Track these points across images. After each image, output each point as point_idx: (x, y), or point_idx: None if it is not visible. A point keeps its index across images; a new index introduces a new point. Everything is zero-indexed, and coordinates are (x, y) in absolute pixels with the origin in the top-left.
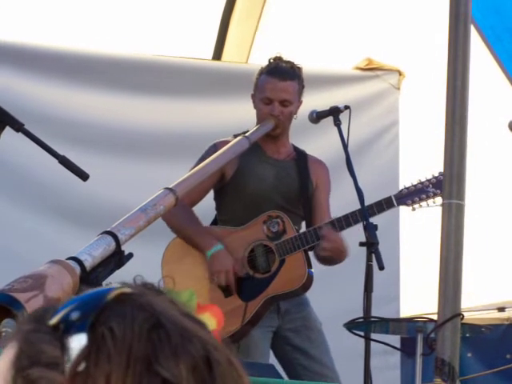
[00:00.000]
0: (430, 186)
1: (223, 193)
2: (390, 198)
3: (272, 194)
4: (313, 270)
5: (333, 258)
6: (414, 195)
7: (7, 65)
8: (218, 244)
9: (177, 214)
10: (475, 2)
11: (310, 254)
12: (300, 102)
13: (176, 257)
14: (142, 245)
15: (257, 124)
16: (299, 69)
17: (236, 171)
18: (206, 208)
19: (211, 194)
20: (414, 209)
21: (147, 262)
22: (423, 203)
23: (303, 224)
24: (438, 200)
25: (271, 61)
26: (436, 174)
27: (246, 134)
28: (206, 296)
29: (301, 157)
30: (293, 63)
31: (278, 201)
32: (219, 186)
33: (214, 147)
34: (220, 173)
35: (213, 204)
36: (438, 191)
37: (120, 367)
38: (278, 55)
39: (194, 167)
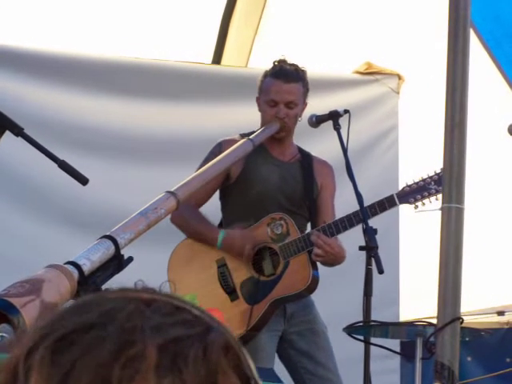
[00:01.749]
0: (432, 183)
1: (229, 193)
2: (391, 196)
3: (276, 195)
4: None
5: (327, 262)
6: (415, 193)
7: (7, 69)
8: (219, 233)
9: (183, 213)
10: (475, 7)
11: None
12: (305, 105)
13: (182, 261)
14: (143, 249)
15: (262, 127)
16: (303, 71)
17: (241, 172)
18: (212, 209)
19: (217, 196)
20: (416, 207)
21: (148, 266)
22: (426, 201)
23: (309, 225)
24: (441, 197)
25: (275, 63)
26: (438, 171)
27: (251, 137)
28: (212, 300)
29: (306, 158)
30: (297, 66)
31: (282, 202)
32: (225, 186)
33: (220, 146)
34: (225, 173)
35: (218, 205)
36: (441, 188)
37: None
38: (282, 58)
39: (200, 167)
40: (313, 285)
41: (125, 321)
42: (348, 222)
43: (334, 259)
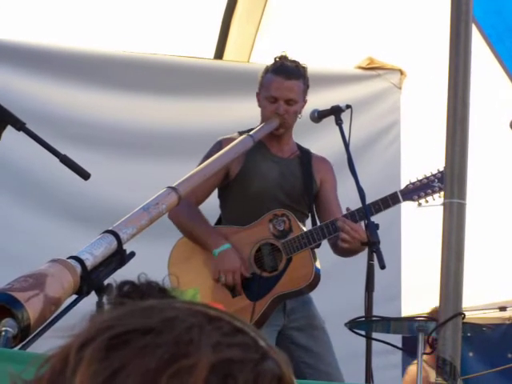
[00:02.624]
0: (436, 180)
1: (228, 190)
2: (395, 193)
3: (276, 191)
4: (319, 267)
5: (351, 249)
6: (419, 190)
7: (8, 63)
8: (226, 243)
9: (183, 213)
10: (476, 1)
11: (317, 250)
12: (305, 102)
13: (183, 257)
14: (145, 243)
15: (261, 122)
16: (304, 68)
17: (241, 169)
18: (210, 207)
19: (215, 192)
20: (419, 204)
21: (150, 261)
22: (429, 198)
23: (308, 222)
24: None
25: (276, 60)
26: (441, 169)
27: (250, 133)
28: (214, 296)
29: (305, 155)
30: (298, 62)
31: (281, 198)
32: (224, 184)
33: (219, 144)
34: (225, 170)
35: (217, 202)
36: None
37: None
38: (283, 54)
39: (200, 164)
40: (315, 281)
41: (184, 332)
42: (351, 219)
43: (360, 246)
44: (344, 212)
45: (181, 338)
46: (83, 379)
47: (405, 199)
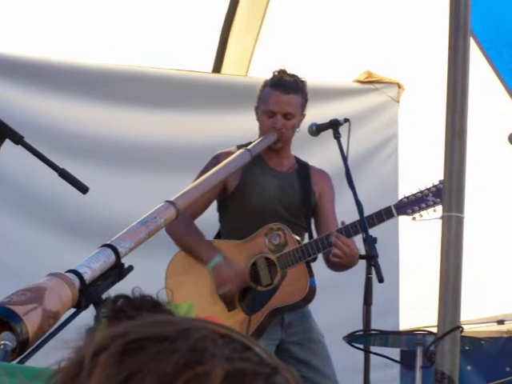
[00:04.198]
0: (430, 194)
1: (226, 204)
2: (389, 207)
3: (275, 205)
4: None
5: (343, 264)
6: (413, 204)
7: (7, 77)
8: (218, 256)
9: (179, 226)
10: (475, 15)
11: (312, 264)
12: (303, 116)
13: (180, 270)
14: (143, 257)
15: (259, 136)
16: (303, 82)
17: (239, 183)
18: (210, 220)
19: (215, 206)
20: (414, 218)
21: (148, 275)
22: (423, 212)
23: (306, 235)
24: (439, 208)
25: (275, 74)
26: (436, 183)
27: (248, 147)
28: (210, 309)
29: (303, 168)
30: (297, 76)
31: (280, 213)
32: (222, 198)
33: (216, 158)
34: (222, 185)
35: (216, 216)
36: (438, 200)
37: None
38: (282, 68)
39: (197, 179)
40: (310, 295)
41: (198, 341)
42: (352, 230)
43: (353, 261)
44: (339, 225)
45: (195, 346)
46: (98, 383)
47: (399, 213)
